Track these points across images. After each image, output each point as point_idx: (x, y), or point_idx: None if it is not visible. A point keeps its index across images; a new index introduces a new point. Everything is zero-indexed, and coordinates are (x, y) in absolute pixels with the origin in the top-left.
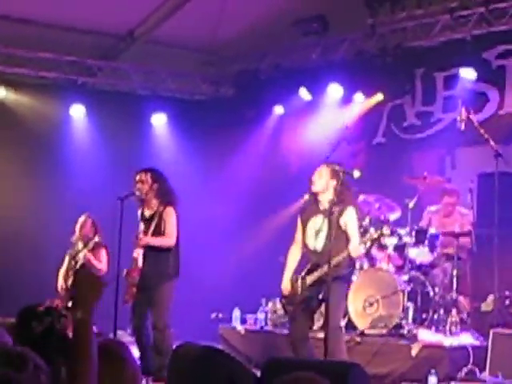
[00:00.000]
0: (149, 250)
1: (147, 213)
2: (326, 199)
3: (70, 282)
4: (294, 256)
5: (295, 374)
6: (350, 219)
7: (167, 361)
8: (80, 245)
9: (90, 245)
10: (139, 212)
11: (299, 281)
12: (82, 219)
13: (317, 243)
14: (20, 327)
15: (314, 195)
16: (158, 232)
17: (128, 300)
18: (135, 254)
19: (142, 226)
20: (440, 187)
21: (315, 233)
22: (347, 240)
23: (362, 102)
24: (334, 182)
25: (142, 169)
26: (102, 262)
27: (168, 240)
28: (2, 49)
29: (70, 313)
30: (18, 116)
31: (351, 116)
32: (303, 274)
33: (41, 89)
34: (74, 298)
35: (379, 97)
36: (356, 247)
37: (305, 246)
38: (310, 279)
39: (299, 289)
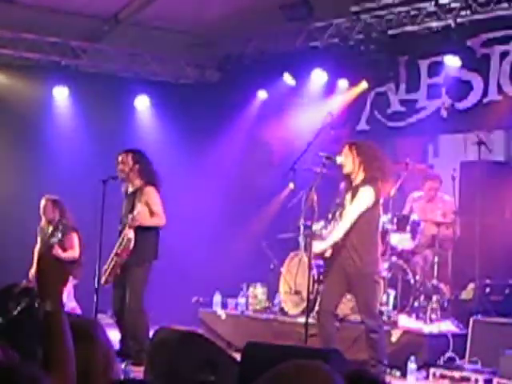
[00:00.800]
0: (137, 229)
1: (130, 189)
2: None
3: None
4: None
5: (297, 362)
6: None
7: (145, 344)
8: (50, 228)
9: (59, 230)
10: (123, 189)
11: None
12: (42, 203)
13: None
14: None
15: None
16: (131, 210)
17: (110, 281)
18: (130, 235)
19: (125, 201)
20: (422, 174)
21: None
22: None
23: (346, 90)
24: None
25: (123, 150)
26: (73, 248)
27: (159, 220)
28: None
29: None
30: (1, 97)
31: (335, 102)
32: None
33: (24, 70)
34: (39, 288)
35: (364, 85)
36: None
37: None
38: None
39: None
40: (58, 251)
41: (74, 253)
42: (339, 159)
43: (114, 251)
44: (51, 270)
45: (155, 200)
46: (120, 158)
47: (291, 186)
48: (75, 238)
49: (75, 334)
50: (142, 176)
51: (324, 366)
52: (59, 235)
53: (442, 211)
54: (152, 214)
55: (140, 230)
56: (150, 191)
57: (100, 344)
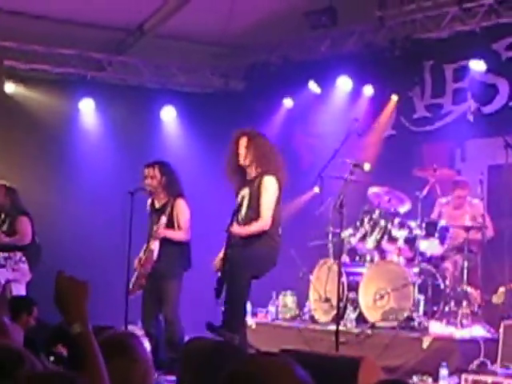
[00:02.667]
0: (164, 242)
1: (157, 204)
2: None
3: None
4: None
5: (255, 362)
6: None
7: (179, 354)
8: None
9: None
10: (149, 202)
11: None
12: None
13: None
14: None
15: None
16: (172, 224)
17: (134, 291)
18: (152, 246)
19: (153, 216)
20: (450, 179)
21: None
22: None
23: (371, 97)
24: None
25: (149, 163)
26: (22, 232)
27: (183, 234)
28: (11, 44)
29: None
30: (28, 111)
31: (361, 108)
32: None
33: (50, 83)
34: (62, 312)
35: (394, 98)
36: None
37: None
38: None
39: None
40: (1, 237)
41: (23, 237)
42: (366, 166)
43: (140, 258)
44: (69, 291)
45: (184, 214)
46: (147, 172)
47: (316, 189)
48: (26, 222)
49: (114, 347)
50: (169, 188)
51: (283, 359)
52: (7, 221)
53: (471, 215)
54: (179, 227)
55: (169, 242)
56: (181, 204)
57: (138, 356)
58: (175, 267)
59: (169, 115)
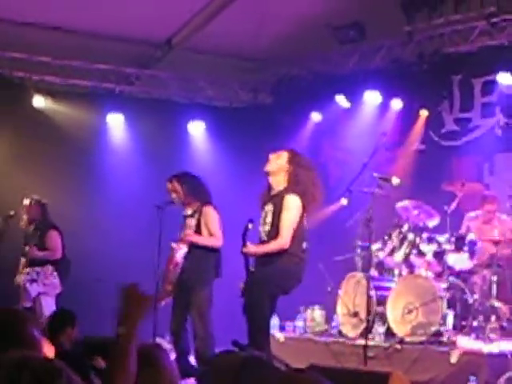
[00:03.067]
0: (193, 248)
1: (188, 212)
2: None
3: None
4: None
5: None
6: None
7: (207, 367)
8: (30, 229)
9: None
10: (183, 212)
11: None
12: (26, 203)
13: None
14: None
15: None
16: (200, 231)
17: (161, 299)
18: (174, 245)
19: (184, 222)
20: (478, 193)
21: None
22: None
23: (400, 112)
24: None
25: (168, 178)
26: (52, 247)
27: (215, 240)
28: (40, 58)
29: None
30: (56, 125)
31: (389, 123)
32: None
33: (79, 97)
34: (118, 315)
35: (424, 113)
36: None
37: None
38: None
39: None
40: (34, 251)
41: (54, 252)
42: (395, 180)
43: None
44: (134, 303)
45: (213, 220)
46: (169, 187)
47: (344, 201)
48: (56, 236)
49: (141, 359)
50: (195, 195)
51: (314, 376)
52: (37, 235)
53: (500, 230)
54: (210, 234)
55: (201, 250)
56: (209, 211)
57: (166, 369)
58: (205, 277)
59: (197, 129)
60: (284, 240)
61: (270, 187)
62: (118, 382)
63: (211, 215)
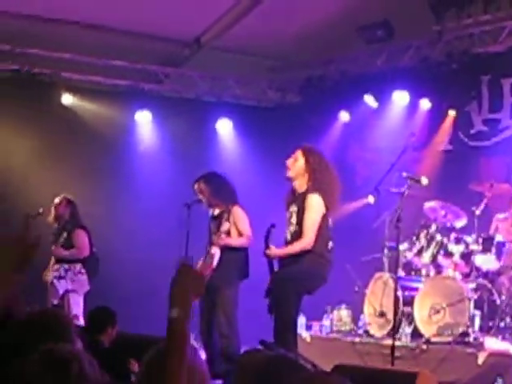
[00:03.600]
0: (223, 250)
1: (216, 212)
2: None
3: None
4: None
5: (310, 378)
6: None
7: (233, 366)
8: (58, 227)
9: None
10: (210, 212)
11: None
12: (57, 201)
13: None
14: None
15: None
16: (229, 232)
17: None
18: (212, 251)
19: (211, 224)
20: (507, 194)
21: None
22: None
23: (428, 112)
24: None
25: (195, 179)
26: (80, 246)
27: (245, 240)
28: (69, 56)
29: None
30: (85, 122)
31: (417, 123)
32: None
33: (107, 95)
34: (170, 294)
35: (452, 113)
36: None
37: None
38: None
39: None
40: (60, 251)
41: (81, 250)
42: (424, 180)
43: (198, 266)
44: (188, 281)
45: (242, 220)
46: (195, 188)
47: (370, 199)
48: (83, 235)
49: None
50: (222, 195)
51: (339, 379)
52: (65, 234)
53: None
54: (240, 234)
55: (228, 250)
56: (237, 211)
57: (196, 368)
58: (231, 276)
59: (225, 128)
60: (308, 240)
61: (294, 189)
62: (179, 368)
63: (240, 215)
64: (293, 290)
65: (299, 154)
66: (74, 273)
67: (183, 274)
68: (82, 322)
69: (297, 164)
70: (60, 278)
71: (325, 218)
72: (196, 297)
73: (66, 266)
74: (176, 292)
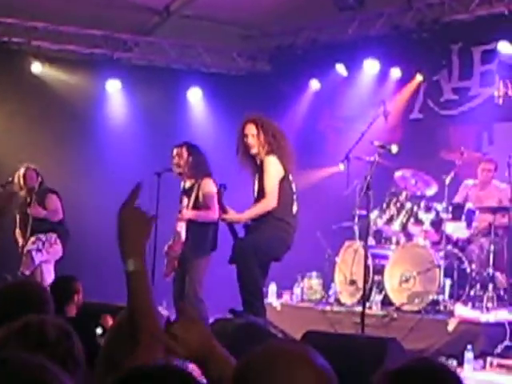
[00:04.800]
0: (190, 223)
1: (187, 185)
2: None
3: (28, 235)
4: None
5: (271, 346)
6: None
7: None
8: (27, 197)
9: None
10: (181, 185)
11: None
12: (22, 171)
13: None
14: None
15: None
16: (197, 204)
17: (168, 274)
18: (178, 228)
19: (182, 197)
20: (478, 162)
21: None
22: None
23: (399, 79)
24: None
25: (178, 144)
26: (56, 208)
27: (212, 213)
28: (38, 24)
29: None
30: (54, 91)
31: (388, 91)
32: None
33: (77, 64)
34: (120, 243)
35: (419, 77)
36: None
37: None
38: None
39: None
40: (39, 210)
41: (56, 212)
42: (394, 148)
43: (169, 244)
44: (133, 221)
45: (211, 194)
46: (175, 152)
47: (341, 167)
48: (56, 199)
49: None
50: (197, 169)
51: (302, 347)
52: (36, 200)
53: (498, 198)
54: (207, 207)
55: (195, 223)
56: (208, 184)
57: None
58: (201, 248)
59: (195, 96)
60: (268, 201)
61: (255, 160)
62: (146, 327)
63: (209, 188)
64: (255, 259)
65: (252, 128)
66: (49, 243)
67: (126, 219)
68: None
69: (256, 138)
70: (38, 250)
71: (285, 180)
72: (146, 238)
73: (43, 238)
74: (125, 241)
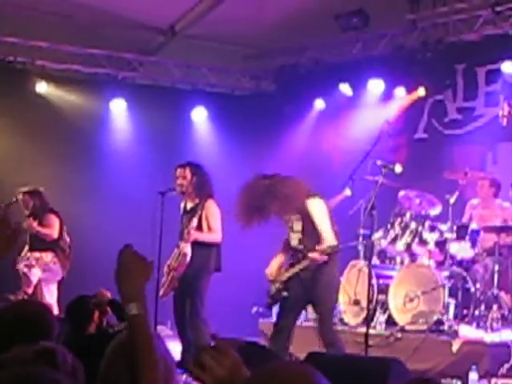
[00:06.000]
0: (194, 244)
1: (188, 205)
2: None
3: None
4: None
5: (274, 367)
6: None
7: None
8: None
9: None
10: (182, 205)
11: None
12: (20, 198)
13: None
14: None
15: None
16: (201, 226)
17: (167, 294)
18: (185, 250)
19: (184, 219)
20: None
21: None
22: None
23: (403, 97)
24: None
25: (181, 163)
26: (51, 227)
27: (215, 236)
28: (43, 44)
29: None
30: (59, 111)
31: (392, 111)
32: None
33: (82, 83)
34: (121, 288)
35: (421, 91)
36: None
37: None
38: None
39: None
40: (33, 224)
41: (52, 231)
42: (398, 168)
43: (169, 264)
44: (132, 266)
45: (215, 215)
46: (178, 172)
47: (348, 192)
48: (54, 218)
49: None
50: (201, 189)
51: (304, 368)
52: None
53: (502, 218)
54: (210, 229)
55: (199, 244)
56: (211, 206)
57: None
58: (202, 269)
59: (199, 116)
60: (333, 239)
61: None
62: (150, 371)
63: (213, 210)
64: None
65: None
66: (45, 262)
67: (126, 262)
68: (56, 310)
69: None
70: (31, 266)
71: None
72: (146, 281)
73: (37, 255)
74: (125, 284)
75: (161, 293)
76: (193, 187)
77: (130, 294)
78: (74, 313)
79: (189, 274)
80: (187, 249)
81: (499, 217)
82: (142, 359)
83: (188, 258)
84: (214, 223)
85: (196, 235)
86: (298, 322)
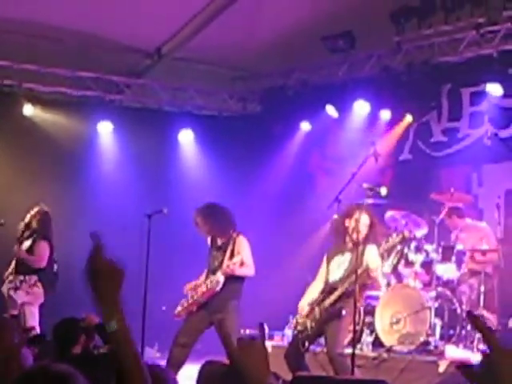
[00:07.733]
0: (229, 278)
1: (219, 241)
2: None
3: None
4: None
5: None
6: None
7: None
8: (25, 234)
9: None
10: (209, 239)
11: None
12: (35, 210)
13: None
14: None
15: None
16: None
17: (182, 315)
18: (220, 279)
19: (214, 253)
20: (466, 203)
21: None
22: None
23: (389, 120)
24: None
25: (195, 209)
26: (40, 256)
27: (251, 271)
28: (30, 66)
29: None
30: (46, 133)
31: (378, 132)
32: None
33: (69, 106)
34: (97, 301)
35: (408, 119)
36: None
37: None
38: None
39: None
40: (21, 251)
41: (39, 261)
42: (383, 191)
43: (191, 287)
44: (104, 275)
45: (246, 250)
46: (194, 220)
47: (336, 217)
48: (45, 247)
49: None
50: (223, 229)
51: None
52: (29, 242)
53: (478, 237)
54: (242, 263)
55: (232, 278)
56: (242, 241)
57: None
58: (233, 302)
59: (186, 138)
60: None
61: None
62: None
63: (244, 245)
64: None
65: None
66: (29, 285)
67: (96, 272)
68: (38, 331)
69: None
70: (16, 289)
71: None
72: (120, 289)
73: (21, 278)
74: (101, 299)
75: (177, 310)
76: (213, 230)
77: (109, 310)
78: (61, 334)
79: (214, 307)
80: (221, 278)
81: (476, 237)
82: (129, 370)
83: (218, 288)
84: (247, 259)
85: (235, 270)
86: (284, 344)
